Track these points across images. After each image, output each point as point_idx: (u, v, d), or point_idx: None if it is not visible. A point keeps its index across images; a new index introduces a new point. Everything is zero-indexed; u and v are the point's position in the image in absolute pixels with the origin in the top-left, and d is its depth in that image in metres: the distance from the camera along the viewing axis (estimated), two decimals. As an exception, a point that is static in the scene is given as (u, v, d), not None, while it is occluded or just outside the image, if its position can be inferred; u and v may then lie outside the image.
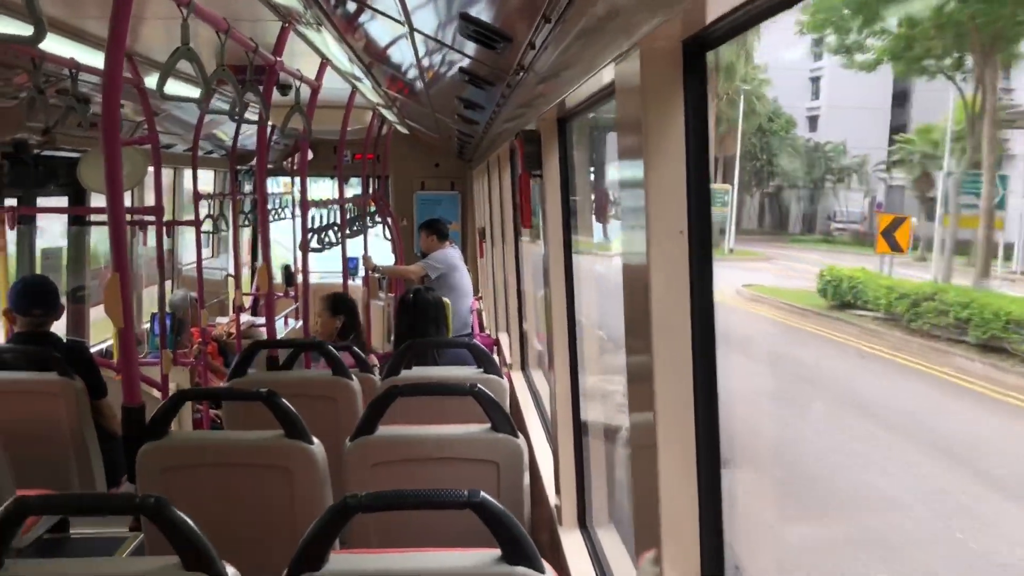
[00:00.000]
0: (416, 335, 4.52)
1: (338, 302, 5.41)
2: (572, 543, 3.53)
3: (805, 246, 15.53)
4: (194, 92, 3.49)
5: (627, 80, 1.77)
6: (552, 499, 3.86)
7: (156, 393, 5.27)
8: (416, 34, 2.85)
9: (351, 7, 2.93)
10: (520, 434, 3.14)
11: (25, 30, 1.93)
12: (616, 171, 1.87)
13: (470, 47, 2.59)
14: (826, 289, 8.56)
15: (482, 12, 2.17)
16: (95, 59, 4.09)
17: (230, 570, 1.93)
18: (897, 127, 13.83)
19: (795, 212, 18.71)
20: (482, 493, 1.96)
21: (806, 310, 9.16)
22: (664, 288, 1.73)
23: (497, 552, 1.94)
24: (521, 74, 2.55)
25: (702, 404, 1.80)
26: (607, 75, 2.06)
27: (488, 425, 3.09)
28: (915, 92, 14.12)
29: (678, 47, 1.62)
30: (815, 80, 19.12)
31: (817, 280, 8.98)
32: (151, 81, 4.83)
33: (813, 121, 19.83)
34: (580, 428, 3.71)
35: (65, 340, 4.72)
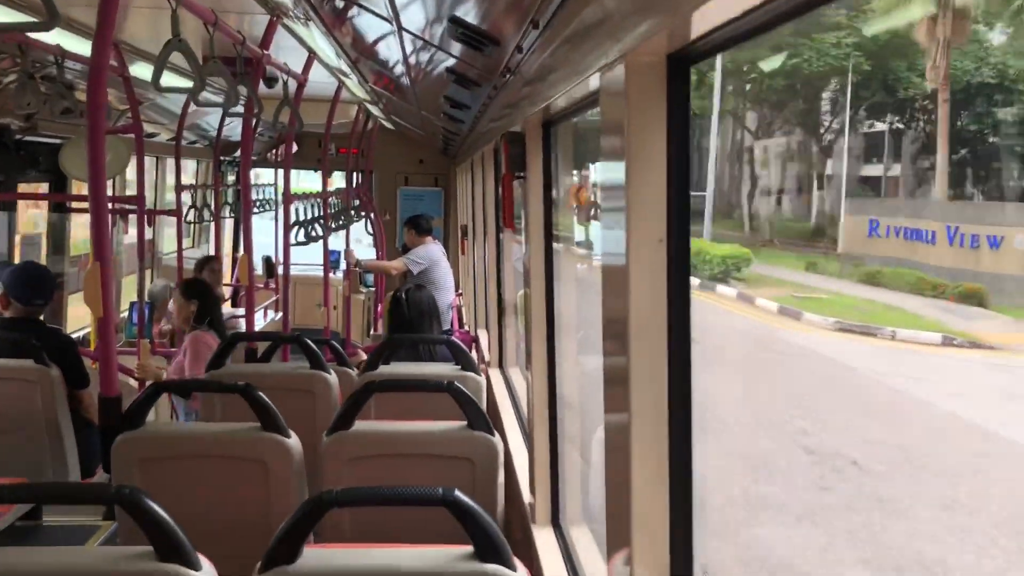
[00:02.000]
0: (414, 332, 4.53)
1: (190, 286, 5.34)
2: (545, 541, 3.55)
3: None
4: (182, 82, 3.50)
5: (612, 90, 1.80)
6: (526, 497, 3.88)
7: (133, 382, 5.26)
8: (404, 32, 2.87)
9: (339, 3, 2.94)
10: (496, 432, 3.16)
11: (25, 17, 1.94)
12: (599, 176, 1.90)
13: (457, 47, 2.61)
14: None
15: (470, 14, 2.19)
16: (80, 46, 4.08)
17: (204, 562, 1.95)
18: None
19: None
20: (456, 491, 1.98)
21: None
22: (642, 295, 1.76)
23: (470, 549, 1.97)
24: (508, 76, 2.57)
25: (676, 408, 1.83)
26: (593, 82, 2.08)
27: (464, 422, 3.11)
28: None
29: (663, 60, 1.65)
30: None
31: None
32: (136, 70, 4.82)
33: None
34: (556, 426, 3.73)
35: (49, 327, 4.69)
